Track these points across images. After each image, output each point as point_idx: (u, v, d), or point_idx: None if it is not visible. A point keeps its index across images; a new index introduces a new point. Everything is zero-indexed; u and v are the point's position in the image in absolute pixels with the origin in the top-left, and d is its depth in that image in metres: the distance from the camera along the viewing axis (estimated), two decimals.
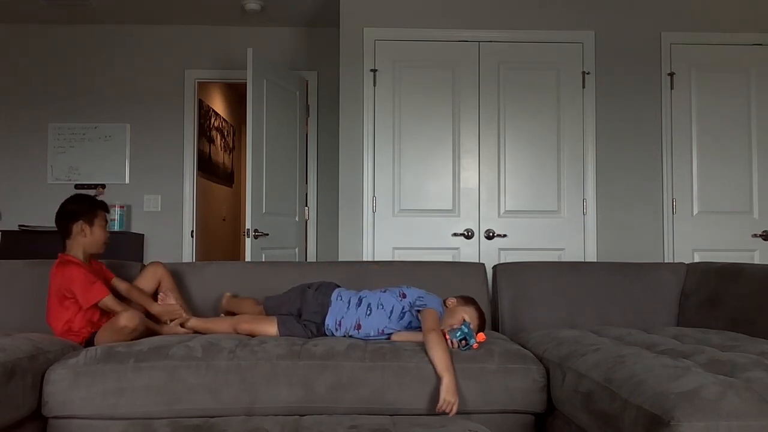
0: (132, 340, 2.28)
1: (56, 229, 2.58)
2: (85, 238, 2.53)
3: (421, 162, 3.82)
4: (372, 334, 2.32)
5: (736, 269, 2.65)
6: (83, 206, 2.57)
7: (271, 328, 2.35)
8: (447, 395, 1.94)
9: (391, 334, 2.34)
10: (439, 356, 2.01)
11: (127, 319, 2.29)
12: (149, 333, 2.43)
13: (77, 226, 2.52)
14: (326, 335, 2.38)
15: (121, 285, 2.59)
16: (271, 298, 2.57)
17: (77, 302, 2.41)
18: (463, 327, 2.16)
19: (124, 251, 4.18)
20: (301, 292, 2.49)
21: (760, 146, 3.87)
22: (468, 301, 2.37)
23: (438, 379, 1.99)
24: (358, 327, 2.33)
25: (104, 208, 2.64)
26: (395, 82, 3.84)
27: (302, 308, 2.44)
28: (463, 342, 2.12)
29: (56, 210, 2.58)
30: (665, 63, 3.88)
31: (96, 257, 2.62)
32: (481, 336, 2.18)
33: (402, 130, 3.83)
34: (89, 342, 2.38)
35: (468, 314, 2.27)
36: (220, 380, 2.02)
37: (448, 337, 2.14)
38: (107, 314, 2.43)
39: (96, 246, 2.56)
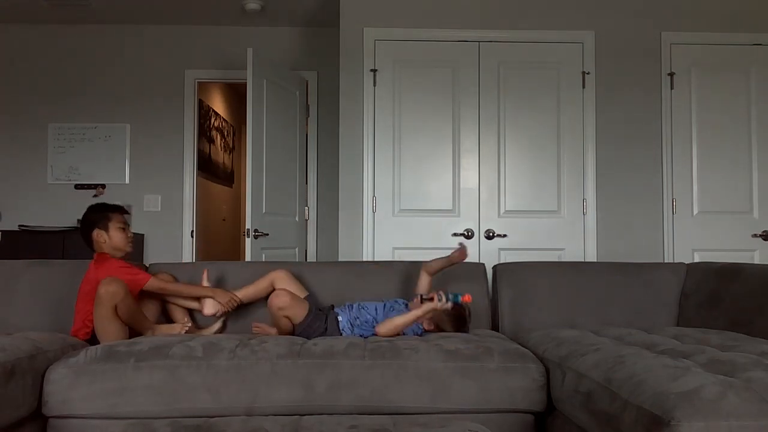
0: (119, 309, 2.34)
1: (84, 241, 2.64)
2: (106, 244, 2.57)
3: (421, 162, 3.82)
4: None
5: (735, 269, 2.65)
6: (96, 214, 2.62)
7: (302, 311, 2.47)
8: (429, 307, 2.35)
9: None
10: (402, 318, 2.38)
11: (105, 285, 2.32)
12: (141, 320, 2.47)
13: (95, 235, 2.58)
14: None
15: (154, 283, 2.59)
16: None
17: None
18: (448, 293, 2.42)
19: None
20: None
21: (760, 146, 3.87)
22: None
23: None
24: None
25: (118, 210, 2.66)
26: (395, 82, 3.84)
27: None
28: (451, 296, 2.37)
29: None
30: (665, 63, 3.87)
31: (126, 258, 2.65)
32: (467, 297, 2.39)
33: (402, 130, 3.83)
34: (93, 336, 2.42)
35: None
36: (220, 380, 2.02)
37: (435, 297, 2.39)
38: None
39: (119, 248, 2.60)
